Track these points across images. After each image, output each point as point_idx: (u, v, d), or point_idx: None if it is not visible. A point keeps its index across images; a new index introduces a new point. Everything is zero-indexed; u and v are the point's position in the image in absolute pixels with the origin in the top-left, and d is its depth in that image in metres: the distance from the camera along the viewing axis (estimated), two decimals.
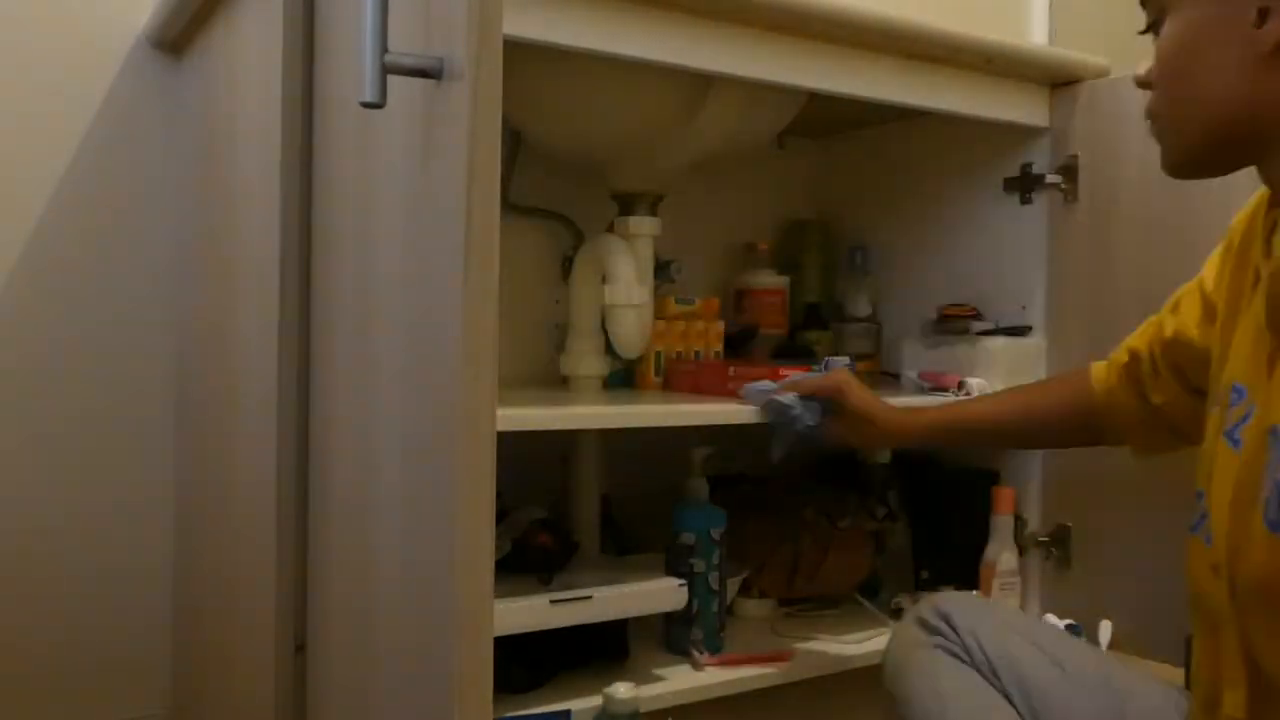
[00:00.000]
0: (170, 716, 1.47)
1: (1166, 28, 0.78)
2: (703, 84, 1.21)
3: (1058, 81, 1.39)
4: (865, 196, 1.73)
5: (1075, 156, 1.37)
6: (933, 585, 1.44)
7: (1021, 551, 1.40)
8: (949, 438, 1.22)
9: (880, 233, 1.69)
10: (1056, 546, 1.39)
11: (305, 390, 1.02)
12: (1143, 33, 0.82)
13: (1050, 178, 1.40)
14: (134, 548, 1.45)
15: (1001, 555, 1.38)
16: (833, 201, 1.78)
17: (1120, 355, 1.09)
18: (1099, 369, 1.12)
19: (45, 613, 1.40)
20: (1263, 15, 0.71)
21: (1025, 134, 1.42)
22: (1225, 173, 0.81)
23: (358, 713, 0.90)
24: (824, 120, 1.63)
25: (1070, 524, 1.38)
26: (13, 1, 1.37)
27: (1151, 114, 0.82)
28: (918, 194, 1.63)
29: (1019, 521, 1.41)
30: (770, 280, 1.63)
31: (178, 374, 1.46)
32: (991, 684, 0.95)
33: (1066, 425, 1.15)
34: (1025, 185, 1.44)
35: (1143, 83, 0.83)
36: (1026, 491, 1.43)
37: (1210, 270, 0.95)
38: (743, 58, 1.13)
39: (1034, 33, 1.99)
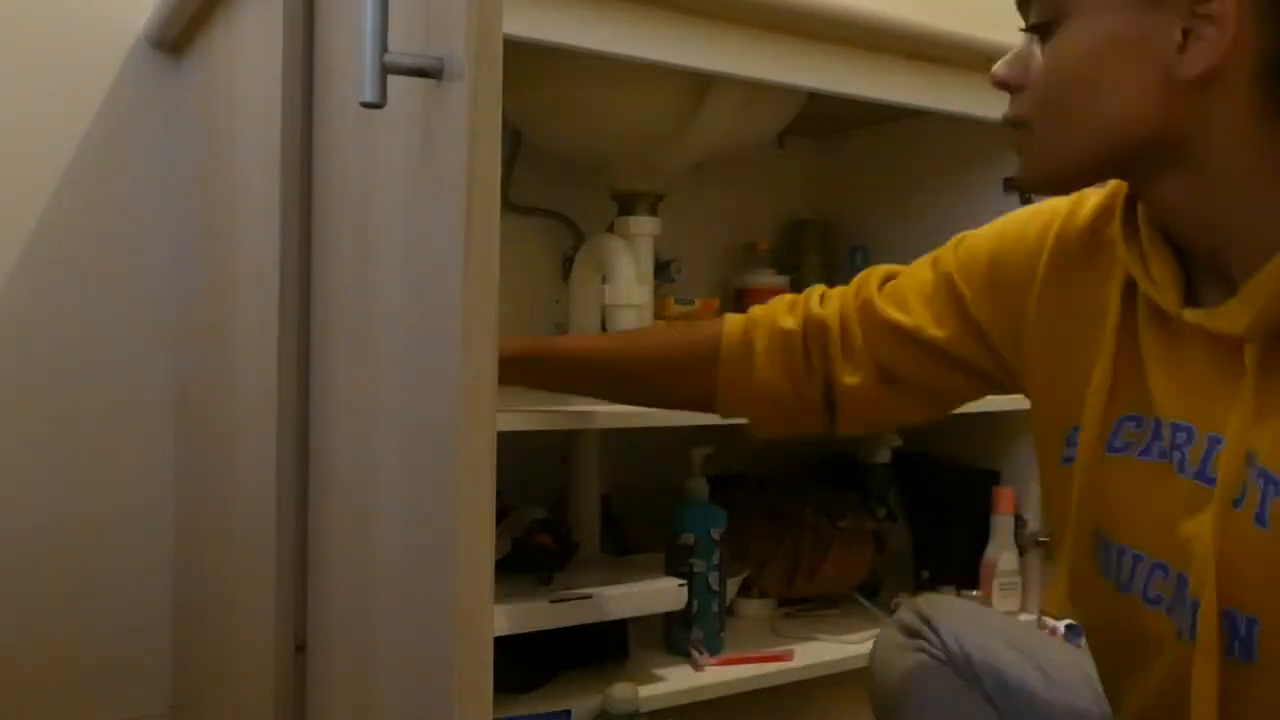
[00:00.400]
0: (170, 716, 1.47)
1: (1067, 32, 0.70)
2: (703, 84, 1.21)
3: None
4: (865, 196, 1.73)
5: None
6: (933, 585, 1.44)
7: (1021, 551, 1.40)
8: (526, 376, 1.03)
9: (880, 233, 1.69)
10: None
11: (305, 390, 1.02)
12: (1026, 30, 0.73)
13: None
14: (134, 547, 1.45)
15: (1001, 555, 1.39)
16: (833, 201, 1.78)
17: (781, 319, 0.94)
18: (733, 323, 0.97)
19: (45, 612, 1.40)
20: (1186, 37, 0.65)
21: None
22: (1087, 186, 0.76)
23: (358, 713, 0.90)
24: (824, 120, 1.63)
25: None
26: (13, 1, 1.37)
27: (1021, 120, 0.73)
28: (918, 194, 1.63)
29: (1019, 521, 1.41)
30: (770, 280, 1.63)
31: (178, 374, 1.46)
32: (973, 687, 0.95)
33: (674, 378, 0.99)
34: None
35: (1011, 84, 0.74)
36: (1026, 491, 1.43)
37: (969, 270, 0.88)
38: (743, 58, 1.13)
39: None
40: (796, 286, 1.67)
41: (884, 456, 1.54)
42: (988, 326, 0.86)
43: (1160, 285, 0.71)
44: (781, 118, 1.39)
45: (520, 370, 1.01)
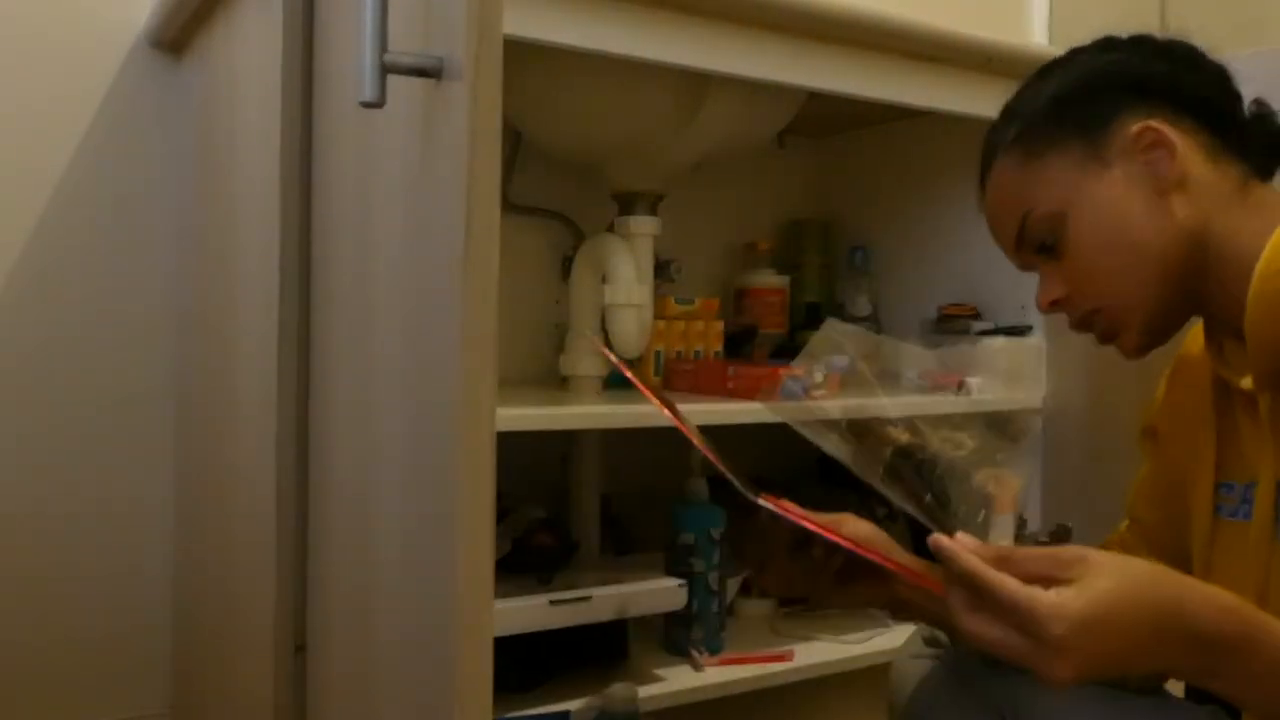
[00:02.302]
0: (170, 716, 1.47)
1: (1077, 228, 0.82)
2: (703, 84, 1.21)
3: None
4: (865, 196, 1.73)
5: None
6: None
7: None
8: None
9: (880, 233, 1.69)
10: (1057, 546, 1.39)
11: (305, 390, 1.02)
12: (1042, 256, 0.85)
13: None
14: (134, 548, 1.45)
15: None
16: (833, 201, 1.78)
17: None
18: None
19: (45, 613, 1.40)
20: (1154, 156, 0.79)
21: None
22: (1183, 323, 0.85)
23: (358, 713, 0.90)
24: (824, 120, 1.63)
25: (1070, 524, 1.38)
26: (13, 1, 1.37)
27: (1093, 310, 0.84)
28: (918, 194, 1.63)
29: (1019, 521, 1.41)
30: (770, 280, 1.63)
31: (178, 373, 1.46)
32: (989, 701, 0.95)
33: None
34: None
35: (1062, 299, 0.85)
36: (1027, 491, 1.43)
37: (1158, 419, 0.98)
38: (743, 58, 1.13)
39: (1034, 33, 1.98)
40: (796, 286, 1.67)
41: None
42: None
43: (1230, 363, 0.83)
44: (781, 118, 1.39)
45: None
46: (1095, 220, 0.81)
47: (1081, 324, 0.86)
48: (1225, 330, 0.83)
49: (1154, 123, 0.80)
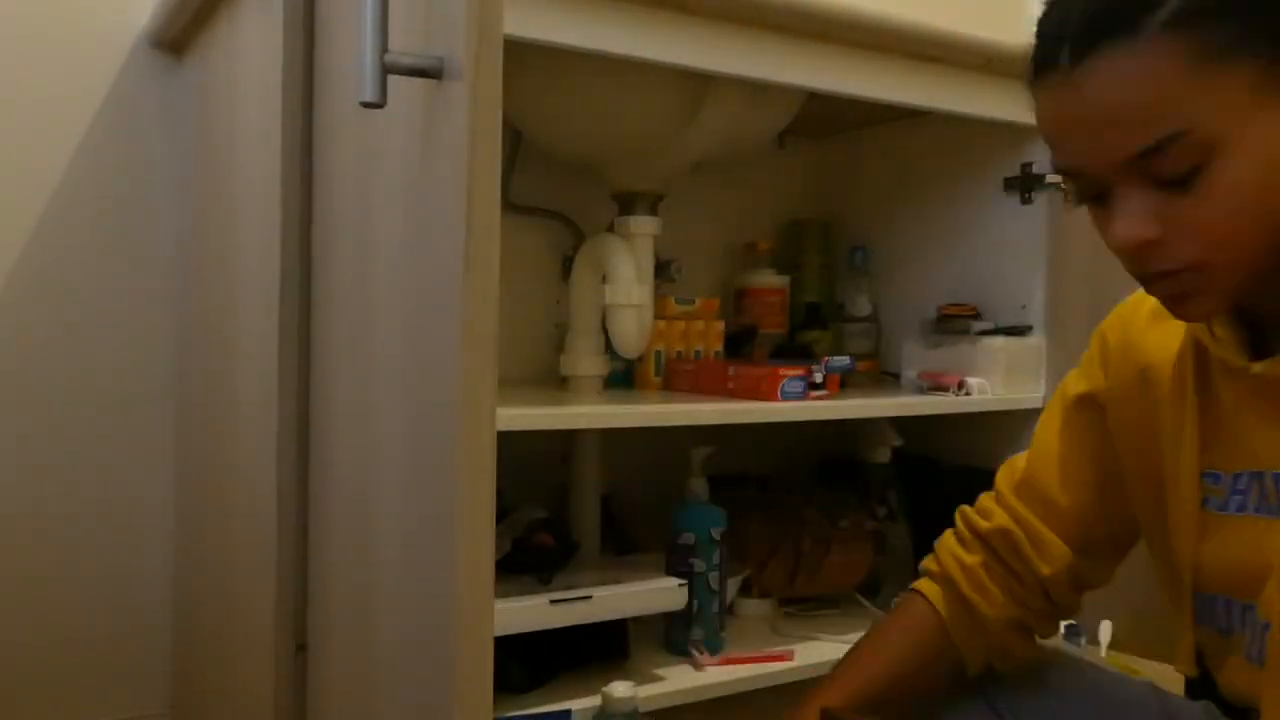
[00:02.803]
0: (170, 716, 1.47)
1: (1226, 168, 0.66)
2: (703, 84, 1.21)
3: None
4: (865, 196, 1.73)
5: None
6: None
7: None
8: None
9: (880, 233, 1.69)
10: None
11: (305, 390, 1.02)
12: (1156, 187, 0.68)
13: (1050, 177, 1.40)
14: (134, 547, 1.45)
15: None
16: (833, 201, 1.78)
17: (965, 557, 0.95)
18: (936, 597, 0.95)
19: (45, 612, 1.40)
20: None
21: (1025, 134, 1.42)
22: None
23: (358, 713, 0.90)
24: (824, 120, 1.63)
25: None
26: (13, 1, 1.37)
27: (1191, 265, 0.69)
28: (918, 194, 1.63)
29: None
30: (770, 280, 1.63)
31: (178, 373, 1.46)
32: (991, 707, 0.95)
33: (934, 669, 0.95)
34: (1025, 185, 1.44)
35: (1156, 243, 0.69)
36: None
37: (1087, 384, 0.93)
38: (743, 58, 1.13)
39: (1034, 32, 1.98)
40: (796, 286, 1.67)
41: (884, 456, 1.53)
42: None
43: (1223, 342, 0.76)
44: (781, 118, 1.39)
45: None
46: (1248, 165, 0.66)
47: (1160, 275, 0.71)
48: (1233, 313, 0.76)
49: None
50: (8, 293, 1.38)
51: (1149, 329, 0.87)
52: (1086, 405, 0.92)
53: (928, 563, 0.99)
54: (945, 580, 0.95)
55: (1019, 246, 1.46)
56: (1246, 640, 0.77)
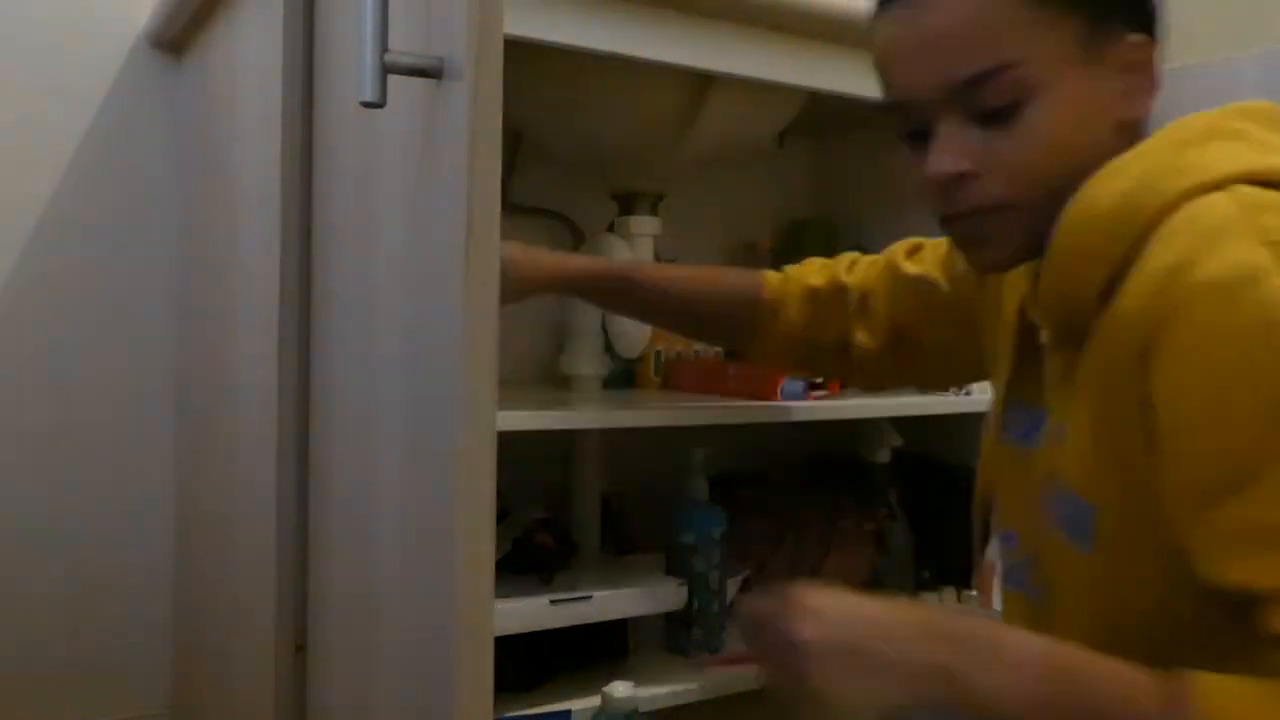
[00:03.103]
0: (170, 716, 1.47)
1: (1039, 107, 0.70)
2: (703, 84, 1.21)
3: None
4: (865, 196, 1.73)
5: None
6: (933, 585, 1.44)
7: None
8: (599, 295, 1.12)
9: (880, 233, 1.68)
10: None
11: (305, 390, 1.02)
12: (976, 120, 0.72)
13: None
14: (134, 547, 1.45)
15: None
16: (833, 201, 1.78)
17: (810, 278, 1.07)
18: (772, 278, 1.10)
19: (45, 612, 1.40)
20: (1125, 82, 0.72)
21: None
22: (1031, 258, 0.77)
23: (358, 713, 0.90)
24: (824, 120, 1.62)
25: None
26: (13, 1, 1.37)
27: (998, 204, 0.73)
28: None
29: None
30: None
31: (177, 373, 1.46)
32: None
33: (721, 317, 1.11)
34: None
35: (969, 173, 0.73)
36: None
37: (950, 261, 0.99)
38: (743, 58, 1.13)
39: None
40: None
41: (884, 456, 1.53)
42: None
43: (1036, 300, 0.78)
44: (781, 118, 1.39)
45: (601, 292, 1.11)
46: (1063, 112, 0.71)
47: (967, 215, 0.75)
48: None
49: (1154, 51, 0.73)
50: (7, 292, 1.38)
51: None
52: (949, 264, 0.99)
53: (789, 267, 1.11)
54: (785, 277, 1.10)
55: None
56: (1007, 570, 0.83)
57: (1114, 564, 0.69)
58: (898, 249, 1.05)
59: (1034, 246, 0.74)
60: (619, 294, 1.10)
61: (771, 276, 1.10)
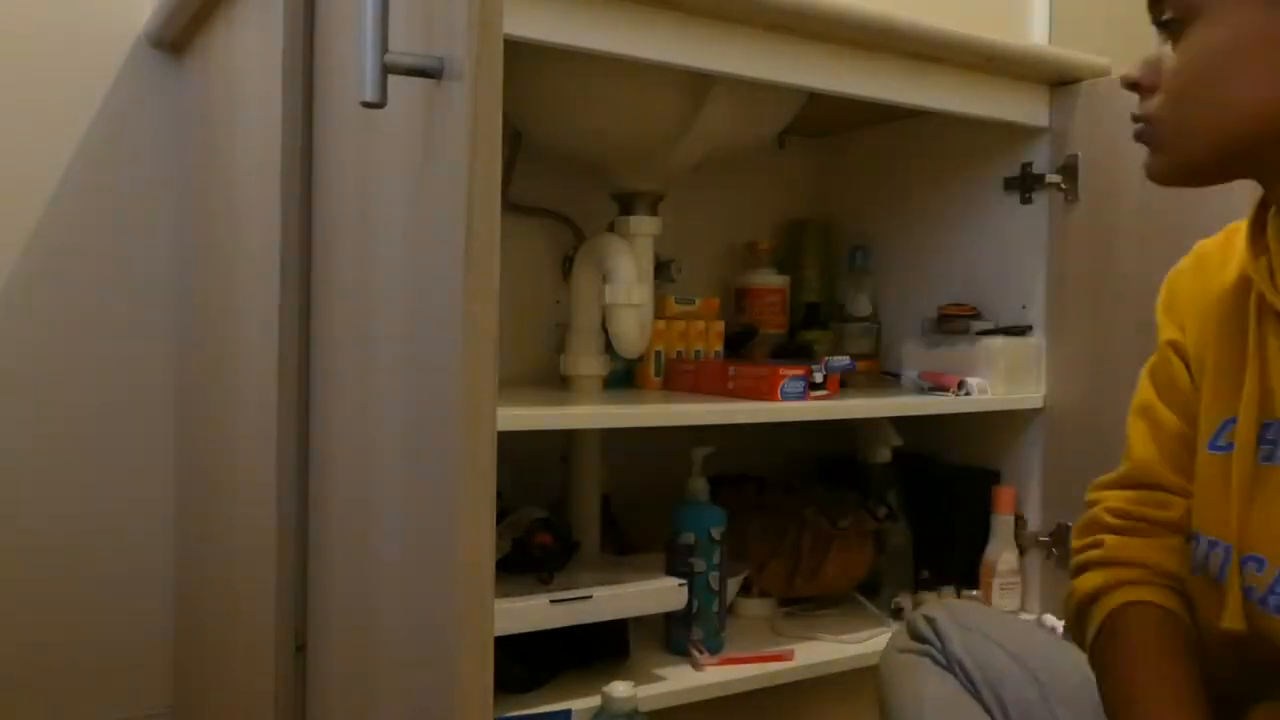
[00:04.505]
0: (170, 716, 1.47)
1: (1198, 30, 0.72)
2: (703, 84, 1.21)
3: (1058, 81, 1.39)
4: (865, 196, 1.73)
5: (1075, 156, 1.37)
6: (933, 585, 1.44)
7: (1021, 551, 1.40)
8: None
9: (880, 233, 1.69)
10: (1056, 546, 1.39)
11: (305, 390, 1.02)
12: (1159, 25, 0.75)
13: (1050, 177, 1.40)
14: (134, 547, 1.45)
15: (1001, 555, 1.39)
16: (833, 201, 1.78)
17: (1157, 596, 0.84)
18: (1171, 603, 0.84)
19: (45, 612, 1.40)
20: None
21: (1025, 134, 1.43)
22: (1218, 182, 0.77)
23: (358, 713, 0.90)
24: (824, 120, 1.63)
25: (1070, 524, 1.38)
26: (13, 1, 1.37)
27: (1153, 117, 0.75)
28: (918, 194, 1.63)
29: (1019, 521, 1.42)
30: (770, 280, 1.63)
31: (178, 373, 1.46)
32: (975, 696, 0.95)
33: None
34: (1025, 185, 1.44)
35: (1143, 86, 0.76)
36: (1026, 491, 1.43)
37: (1172, 331, 0.88)
38: (743, 58, 1.13)
39: (1034, 32, 1.99)
40: (796, 286, 1.67)
41: (884, 456, 1.53)
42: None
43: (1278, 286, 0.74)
44: (781, 118, 1.39)
45: None
46: (1221, 41, 0.70)
47: (1139, 118, 0.77)
48: None
49: None
50: (8, 293, 1.38)
51: (1201, 276, 0.85)
52: (1178, 351, 0.87)
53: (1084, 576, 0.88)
54: (1161, 596, 0.83)
55: (1019, 246, 1.46)
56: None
57: None
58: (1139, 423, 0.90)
59: (1209, 178, 0.74)
60: None
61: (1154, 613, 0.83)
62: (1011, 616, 1.08)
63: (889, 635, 1.11)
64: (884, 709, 1.01)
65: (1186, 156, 0.75)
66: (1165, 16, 0.74)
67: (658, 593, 1.16)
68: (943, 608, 1.04)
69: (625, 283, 1.24)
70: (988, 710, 0.94)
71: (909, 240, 1.64)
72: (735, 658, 1.23)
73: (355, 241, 0.91)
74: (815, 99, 1.29)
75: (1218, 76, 0.71)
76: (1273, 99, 0.70)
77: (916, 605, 1.38)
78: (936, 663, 0.98)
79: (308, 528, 1.02)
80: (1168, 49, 0.74)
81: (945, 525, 1.50)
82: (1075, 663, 0.97)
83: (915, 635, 1.02)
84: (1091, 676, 0.90)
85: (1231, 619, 0.74)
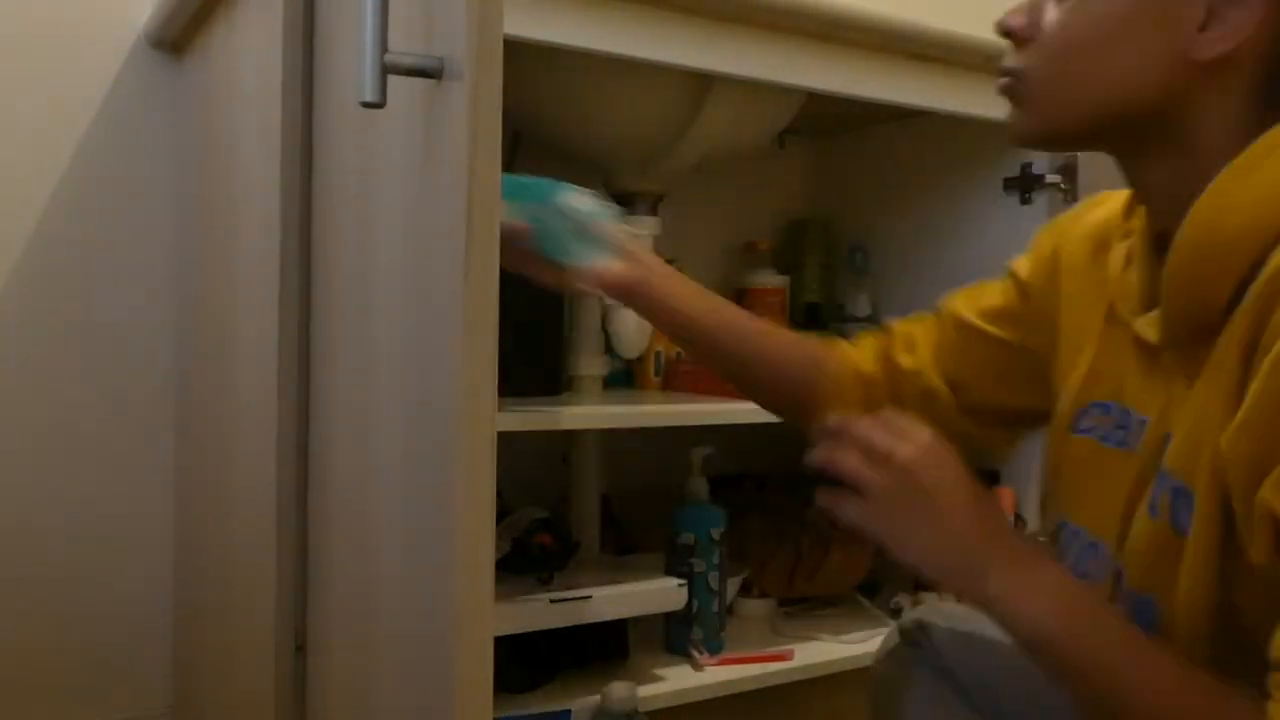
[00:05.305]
0: (170, 716, 1.47)
1: (1079, 2, 0.69)
2: (703, 84, 1.21)
3: None
4: (865, 196, 1.73)
5: (1075, 156, 1.37)
6: (932, 585, 1.44)
7: None
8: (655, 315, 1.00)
9: (880, 233, 1.69)
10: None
11: (305, 390, 1.02)
12: None
13: (1050, 177, 1.40)
14: (134, 547, 1.45)
15: None
16: (833, 201, 1.78)
17: (865, 365, 0.98)
18: (840, 359, 1.00)
19: (46, 613, 1.40)
20: (1209, 19, 0.65)
21: None
22: (1076, 150, 0.77)
23: (358, 713, 0.90)
24: (824, 120, 1.63)
25: None
26: (13, 1, 1.37)
27: (1023, 73, 0.73)
28: (918, 194, 1.63)
29: (1018, 522, 1.41)
30: (770, 280, 1.63)
31: (178, 374, 1.46)
32: (967, 701, 0.95)
33: (776, 383, 1.00)
34: (1025, 185, 1.44)
35: (1019, 34, 0.73)
36: (1026, 491, 1.43)
37: (1029, 273, 0.91)
38: (743, 58, 1.13)
39: None
40: (796, 286, 1.67)
41: None
42: (1036, 315, 0.89)
43: (1127, 291, 0.74)
44: (781, 118, 1.39)
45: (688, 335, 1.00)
46: (1106, 16, 0.68)
47: (1005, 71, 0.75)
48: (1149, 240, 0.73)
49: None
50: (7, 293, 1.38)
51: (1097, 249, 0.84)
52: (1015, 282, 0.93)
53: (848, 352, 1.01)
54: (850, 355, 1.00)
55: (1019, 247, 1.45)
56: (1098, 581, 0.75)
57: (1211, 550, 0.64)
58: (943, 306, 0.99)
59: (1069, 145, 0.74)
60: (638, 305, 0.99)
61: (840, 356, 1.00)
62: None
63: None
64: (875, 711, 1.01)
65: (1052, 122, 0.73)
66: None
67: (658, 593, 1.16)
68: (934, 612, 1.03)
69: None
70: (981, 715, 0.94)
71: (909, 240, 1.64)
72: (735, 658, 1.23)
73: (355, 241, 0.91)
74: (815, 99, 1.29)
75: (1103, 44, 0.68)
76: (1141, 80, 0.67)
77: (916, 605, 1.38)
78: (929, 666, 0.98)
79: (307, 528, 1.02)
80: (1052, 4, 0.71)
81: None
82: None
83: (907, 638, 1.02)
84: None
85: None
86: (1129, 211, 0.78)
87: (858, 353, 1.00)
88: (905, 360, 0.97)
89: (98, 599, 1.43)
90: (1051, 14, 0.71)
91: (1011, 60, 0.74)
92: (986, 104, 1.33)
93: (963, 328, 0.95)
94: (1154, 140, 0.69)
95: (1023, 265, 0.93)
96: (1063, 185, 1.39)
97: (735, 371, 1.03)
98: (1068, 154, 1.38)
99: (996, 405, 0.94)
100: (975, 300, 0.96)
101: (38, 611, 1.40)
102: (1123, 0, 0.68)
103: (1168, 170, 0.69)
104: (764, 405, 1.06)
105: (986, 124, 1.37)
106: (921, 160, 1.62)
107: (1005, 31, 0.74)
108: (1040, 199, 1.43)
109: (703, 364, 1.08)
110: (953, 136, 1.52)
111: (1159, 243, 0.71)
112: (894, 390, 0.97)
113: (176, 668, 1.47)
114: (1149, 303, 0.72)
